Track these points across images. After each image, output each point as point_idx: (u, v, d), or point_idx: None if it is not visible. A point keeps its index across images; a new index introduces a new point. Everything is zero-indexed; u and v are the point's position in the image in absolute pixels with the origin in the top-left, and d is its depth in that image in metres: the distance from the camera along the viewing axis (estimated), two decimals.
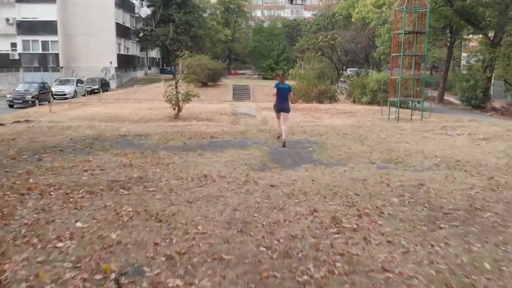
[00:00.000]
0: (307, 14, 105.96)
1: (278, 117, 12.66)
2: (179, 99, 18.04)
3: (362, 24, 41.37)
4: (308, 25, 45.73)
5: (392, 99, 18.32)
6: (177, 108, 18.15)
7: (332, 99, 33.31)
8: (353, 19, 40.93)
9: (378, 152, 10.87)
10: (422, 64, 20.34)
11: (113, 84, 50.48)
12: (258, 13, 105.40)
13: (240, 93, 39.60)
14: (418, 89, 19.41)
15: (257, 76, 61.86)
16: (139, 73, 65.66)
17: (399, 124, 16.63)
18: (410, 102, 18.58)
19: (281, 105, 12.35)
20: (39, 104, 30.85)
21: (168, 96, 17.80)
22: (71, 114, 20.89)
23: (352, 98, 33.04)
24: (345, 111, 23.33)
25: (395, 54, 17.70)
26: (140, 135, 13.14)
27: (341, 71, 46.49)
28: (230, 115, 20.89)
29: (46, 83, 34.41)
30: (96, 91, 44.12)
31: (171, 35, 47.65)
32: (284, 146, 11.54)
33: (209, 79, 40.09)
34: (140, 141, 12.06)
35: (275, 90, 12.30)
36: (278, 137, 12.64)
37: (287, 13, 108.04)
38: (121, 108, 24.97)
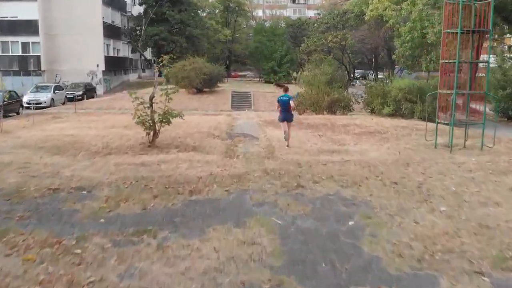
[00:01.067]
0: (310, 13, 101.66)
1: (284, 127, 13.47)
2: (155, 120, 13.44)
3: (377, 22, 36.84)
4: (316, 24, 41.22)
5: (442, 121, 13.72)
6: (152, 133, 13.56)
7: (346, 108, 28.76)
8: (366, 17, 36.35)
9: (469, 235, 6.32)
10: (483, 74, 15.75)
11: (100, 89, 45.97)
12: (259, 13, 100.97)
13: (240, 101, 35.04)
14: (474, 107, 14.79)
15: (258, 79, 57.35)
16: (132, 77, 61.07)
17: (456, 158, 12.04)
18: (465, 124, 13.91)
19: (284, 115, 13.31)
20: (4, 117, 26.26)
21: (140, 117, 13.21)
22: (23, 137, 16.35)
23: (369, 108, 28.47)
24: (370, 128, 18.80)
25: (446, 61, 13.09)
26: (81, 188, 8.57)
27: (352, 75, 41.87)
28: (225, 137, 16.31)
29: (14, 91, 29.85)
30: (80, 97, 39.69)
31: (160, 36, 43.37)
32: (288, 145, 13.27)
33: (205, 85, 35.57)
34: (74, 206, 7.48)
35: (277, 105, 13.58)
36: (286, 140, 13.57)
37: (289, 13, 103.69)
38: (92, 125, 20.45)
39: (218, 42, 71.91)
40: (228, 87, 39.39)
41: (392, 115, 25.60)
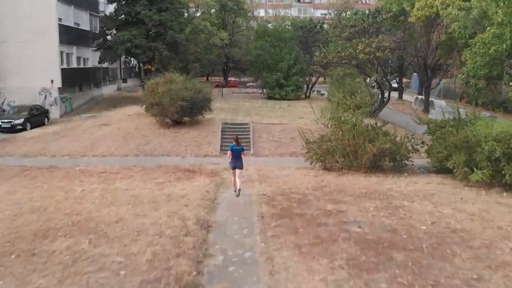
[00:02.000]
0: (317, 13, 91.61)
1: (234, 174, 14.31)
2: None
3: (426, 25, 26.36)
4: (338, 28, 30.71)
5: None
6: None
7: (399, 162, 18.29)
8: (411, 19, 25.91)
9: None
10: None
11: (55, 112, 35.42)
12: (261, 12, 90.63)
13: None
14: None
15: (260, 91, 46.71)
16: (107, 90, 50.47)
17: None
18: None
19: (236, 163, 14.26)
20: None
21: None
22: None
23: (436, 162, 17.92)
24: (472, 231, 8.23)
25: None
26: None
27: (387, 96, 31.30)
28: None
29: None
30: (21, 127, 29.33)
31: (133, 43, 33.00)
32: (238, 195, 13.70)
33: (185, 114, 25.01)
34: None
35: (229, 153, 14.30)
36: (235, 191, 13.85)
37: (294, 12, 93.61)
38: None
39: (214, 46, 61.50)
40: (218, 113, 28.78)
41: (489, 184, 15.10)
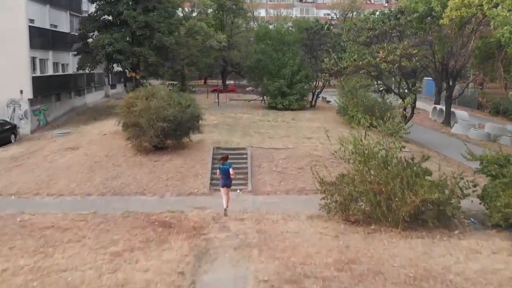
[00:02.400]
0: (320, 13, 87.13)
1: (224, 192, 14.53)
2: None
3: (459, 28, 21.65)
4: (352, 31, 25.95)
5: None
6: None
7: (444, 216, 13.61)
8: (443, 21, 21.26)
9: None
10: None
11: (26, 127, 30.79)
12: (262, 13, 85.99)
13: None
14: None
15: (261, 100, 41.96)
16: (92, 97, 45.95)
17: None
18: None
19: (225, 182, 14.38)
20: None
21: None
22: None
23: (502, 219, 13.17)
24: None
25: None
26: None
27: (410, 116, 26.59)
28: None
29: None
30: None
31: (115, 48, 28.44)
32: (225, 214, 14.37)
33: (167, 136, 20.33)
34: None
35: (218, 171, 14.42)
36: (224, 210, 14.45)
37: (296, 12, 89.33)
38: None
39: (210, 49, 56.86)
40: (210, 131, 24.00)
41: None
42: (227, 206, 14.47)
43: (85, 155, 20.54)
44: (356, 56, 23.27)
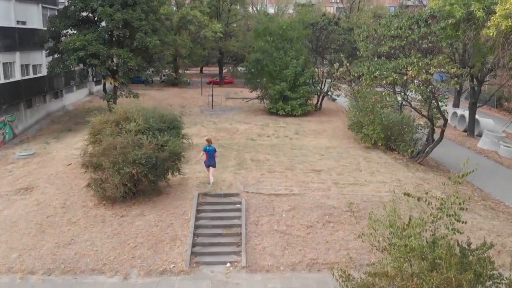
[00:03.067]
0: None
1: (208, 170, 17.05)
2: None
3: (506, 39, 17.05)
4: (370, 38, 21.17)
5: None
6: None
7: None
8: (488, 31, 16.69)
9: None
10: None
11: None
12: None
13: (214, 228, 15.36)
14: None
15: (260, 101, 37.34)
16: (74, 97, 41.47)
17: None
18: None
19: (210, 163, 16.80)
20: None
21: None
22: None
23: None
24: None
25: None
26: None
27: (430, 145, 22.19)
28: None
29: None
30: None
31: (87, 51, 24.01)
32: (211, 187, 16.58)
33: (138, 183, 15.95)
34: None
35: (203, 153, 16.88)
36: (209, 183, 16.76)
37: None
38: None
39: (205, 39, 52.15)
40: (196, 164, 19.66)
41: None
42: (211, 182, 16.79)
43: (37, 205, 16.22)
44: (378, 73, 18.71)
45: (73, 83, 41.07)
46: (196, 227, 14.89)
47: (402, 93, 20.81)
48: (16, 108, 30.27)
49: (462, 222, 10.09)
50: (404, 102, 21.58)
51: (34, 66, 32.63)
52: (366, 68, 19.44)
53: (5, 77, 28.50)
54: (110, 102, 28.89)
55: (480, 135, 31.92)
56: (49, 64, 29.32)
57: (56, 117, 35.47)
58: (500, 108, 43.94)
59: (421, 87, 18.04)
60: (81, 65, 29.46)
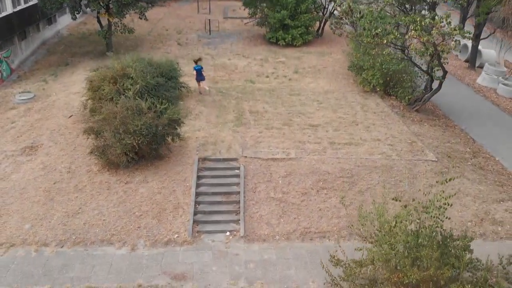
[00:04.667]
0: None
1: (199, 84, 22.84)
2: None
3: None
4: None
5: None
6: None
7: None
8: None
9: None
10: None
11: None
12: None
13: (214, 193, 16.17)
14: None
15: (255, 23, 35.98)
16: (66, 20, 40.10)
17: None
18: None
19: (199, 78, 22.57)
20: None
21: None
22: None
23: None
24: None
25: None
26: None
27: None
28: None
29: None
30: None
31: None
32: (208, 91, 22.84)
33: (138, 153, 16.44)
34: None
35: (195, 72, 22.58)
36: (200, 93, 22.81)
37: None
38: None
39: None
40: (195, 119, 19.98)
41: None
42: (207, 88, 23.00)
43: (43, 169, 16.88)
44: (380, 30, 18.15)
45: (65, 5, 39.42)
46: (197, 194, 15.72)
47: (403, 49, 20.30)
48: (10, 42, 29.63)
49: (449, 205, 10.74)
50: (405, 57, 21.12)
51: None
52: (368, 22, 18.80)
53: None
54: (106, 39, 28.32)
55: (481, 67, 31.63)
56: (40, 1, 28.08)
57: (51, 45, 34.76)
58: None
59: (422, 50, 17.66)
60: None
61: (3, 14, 28.13)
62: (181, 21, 42.32)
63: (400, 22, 18.37)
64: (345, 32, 26.05)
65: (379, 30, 18.19)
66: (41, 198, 15.59)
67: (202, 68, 22.76)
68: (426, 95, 22.01)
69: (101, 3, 27.13)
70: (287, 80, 26.46)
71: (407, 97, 22.54)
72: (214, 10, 48.05)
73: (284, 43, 33.22)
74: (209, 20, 37.47)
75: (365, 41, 19.24)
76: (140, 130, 15.51)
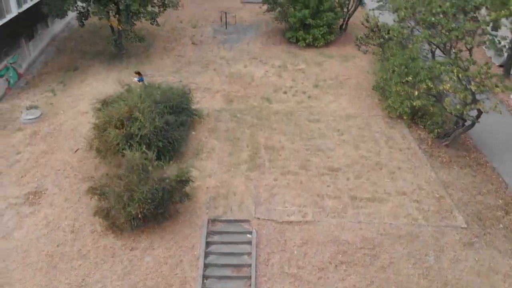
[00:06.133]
0: None
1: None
2: None
3: None
4: (405, 10, 17.79)
5: None
6: None
7: None
8: None
9: None
10: None
11: None
12: None
13: (224, 271, 15.18)
14: None
15: (274, 18, 33.38)
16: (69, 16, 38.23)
17: None
18: None
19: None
20: None
21: None
22: None
23: None
24: None
25: None
26: None
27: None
28: None
29: None
30: None
31: None
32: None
33: (145, 218, 15.40)
34: None
35: (138, 82, 22.63)
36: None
37: None
38: None
39: None
40: (205, 160, 18.73)
41: None
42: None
43: (46, 225, 16.08)
44: (411, 77, 16.16)
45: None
46: (206, 266, 14.78)
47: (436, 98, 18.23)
48: (17, 45, 28.28)
49: None
50: (435, 100, 19.12)
51: None
52: (396, 67, 16.81)
53: (0, 16, 26.03)
54: (115, 47, 26.81)
55: None
56: (45, 5, 26.41)
57: (61, 41, 33.28)
58: None
59: (457, 106, 15.82)
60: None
61: (8, 17, 26.60)
62: (196, 7, 40.09)
63: (434, 69, 16.36)
64: (370, 48, 23.93)
65: (410, 77, 16.33)
66: (43, 264, 14.86)
67: (143, 79, 23.07)
68: (457, 131, 20.20)
69: (109, 12, 25.34)
70: (306, 98, 24.77)
71: (436, 130, 20.79)
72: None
73: (304, 44, 31.14)
74: (225, 13, 35.24)
75: (393, 89, 17.38)
76: (145, 197, 14.42)
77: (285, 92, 25.33)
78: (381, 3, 27.81)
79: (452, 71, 15.29)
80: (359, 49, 24.38)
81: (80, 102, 24.16)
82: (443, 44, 16.97)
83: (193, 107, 21.52)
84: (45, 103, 24.75)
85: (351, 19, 34.24)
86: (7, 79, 26.74)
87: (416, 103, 18.09)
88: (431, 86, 16.38)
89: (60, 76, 27.85)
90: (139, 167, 15.03)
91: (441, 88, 16.34)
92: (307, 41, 31.06)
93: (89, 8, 25.52)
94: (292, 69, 28.31)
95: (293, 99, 24.70)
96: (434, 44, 17.24)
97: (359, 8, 34.10)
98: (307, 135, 21.18)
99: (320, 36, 31.02)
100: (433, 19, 16.70)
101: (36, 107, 24.40)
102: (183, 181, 15.58)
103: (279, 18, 32.93)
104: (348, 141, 20.73)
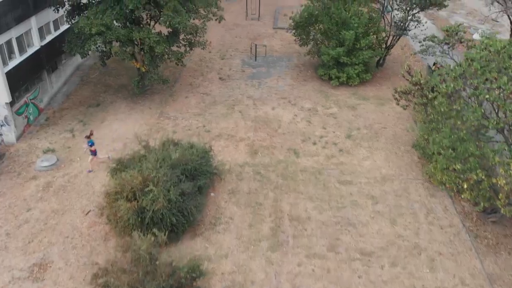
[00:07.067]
0: None
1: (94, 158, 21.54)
2: None
3: None
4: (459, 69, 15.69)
5: None
6: None
7: None
8: None
9: None
10: None
11: (9, 134, 24.46)
12: None
13: None
14: None
15: (311, 58, 31.34)
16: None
17: None
18: None
19: (93, 153, 21.35)
20: None
21: None
22: None
23: None
24: None
25: None
26: None
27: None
28: None
29: None
30: None
31: None
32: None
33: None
34: None
35: (90, 146, 21.25)
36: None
37: None
38: None
39: None
40: (221, 246, 17.04)
41: None
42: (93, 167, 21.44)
43: None
44: (459, 166, 13.95)
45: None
46: None
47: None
48: (38, 79, 27.43)
49: None
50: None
51: (54, 23, 28.56)
52: (442, 148, 14.61)
53: (21, 51, 25.13)
54: (139, 89, 25.56)
55: None
56: (68, 41, 25.39)
57: (85, 70, 32.39)
58: None
59: None
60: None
61: (29, 52, 25.68)
62: (226, 33, 38.64)
63: (487, 156, 14.18)
64: (411, 103, 21.76)
65: (459, 166, 14.24)
66: None
67: (93, 143, 21.39)
68: (507, 209, 17.84)
69: (133, 54, 24.07)
70: (338, 151, 22.82)
71: (482, 204, 18.45)
72: (263, 12, 43.90)
73: (337, 83, 29.15)
74: (255, 44, 33.57)
75: (437, 176, 15.26)
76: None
77: (314, 143, 23.45)
78: (423, 47, 25.56)
79: (509, 164, 13.14)
80: (397, 104, 22.18)
81: (98, 147, 22.96)
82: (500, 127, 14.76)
83: (214, 162, 19.92)
84: (63, 146, 23.77)
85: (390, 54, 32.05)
86: (26, 116, 25.87)
87: (465, 195, 15.91)
88: (483, 177, 14.24)
89: (81, 113, 26.86)
90: (146, 258, 13.52)
91: (494, 181, 14.20)
92: (340, 80, 29.06)
93: (111, 49, 24.24)
94: (323, 113, 26.39)
95: (322, 152, 22.80)
96: (487, 126, 14.96)
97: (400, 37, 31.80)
98: (337, 202, 19.26)
99: (355, 75, 28.97)
100: (487, 96, 14.54)
101: (53, 151, 23.45)
102: (194, 277, 13.96)
103: (312, 53, 31.06)
104: (384, 213, 18.69)
